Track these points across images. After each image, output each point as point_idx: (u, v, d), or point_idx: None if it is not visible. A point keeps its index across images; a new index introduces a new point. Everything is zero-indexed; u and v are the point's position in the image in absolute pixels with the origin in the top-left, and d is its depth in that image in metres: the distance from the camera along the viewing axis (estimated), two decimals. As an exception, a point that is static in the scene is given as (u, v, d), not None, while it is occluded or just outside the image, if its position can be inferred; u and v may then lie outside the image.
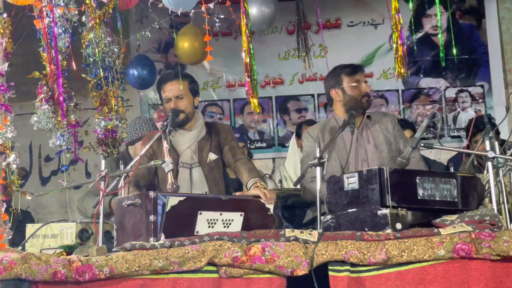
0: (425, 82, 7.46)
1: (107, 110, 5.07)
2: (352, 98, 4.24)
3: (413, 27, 7.17)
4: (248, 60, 3.80)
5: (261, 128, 7.59)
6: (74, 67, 4.59)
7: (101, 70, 5.04)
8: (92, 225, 3.78)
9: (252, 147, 7.44)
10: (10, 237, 3.70)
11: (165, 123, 4.05)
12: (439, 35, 4.49)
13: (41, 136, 5.41)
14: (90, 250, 3.30)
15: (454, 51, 6.24)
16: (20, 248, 3.66)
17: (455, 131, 7.29)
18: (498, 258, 3.16)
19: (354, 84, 4.25)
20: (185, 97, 4.22)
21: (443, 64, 4.07)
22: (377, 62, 7.42)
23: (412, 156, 3.73)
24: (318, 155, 3.60)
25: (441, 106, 7.40)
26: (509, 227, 3.36)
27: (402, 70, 3.77)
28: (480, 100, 7.35)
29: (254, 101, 3.90)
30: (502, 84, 7.31)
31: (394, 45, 3.80)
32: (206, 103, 7.57)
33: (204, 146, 4.24)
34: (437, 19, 7.19)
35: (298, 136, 6.29)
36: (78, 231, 3.81)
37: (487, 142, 3.49)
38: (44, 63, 4.36)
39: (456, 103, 7.41)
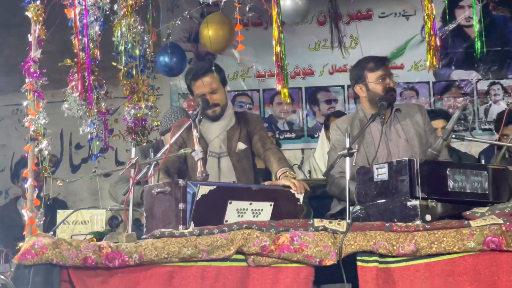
0: (457, 74, 7.37)
1: (137, 99, 5.10)
2: (376, 94, 4.18)
3: (447, 17, 7.09)
4: (278, 49, 3.78)
5: (290, 119, 7.58)
6: (98, 55, 4.61)
7: (126, 58, 5.05)
8: (122, 212, 3.82)
9: (281, 137, 7.43)
10: (41, 222, 3.75)
11: (195, 111, 4.05)
12: (475, 26, 4.40)
13: (72, 124, 5.46)
14: (120, 237, 3.34)
15: (478, 44, 6.13)
16: (52, 233, 3.71)
17: (487, 124, 7.20)
18: (529, 251, 3.13)
19: (378, 80, 4.18)
20: (218, 90, 4.21)
21: (478, 55, 4.01)
22: (408, 53, 7.35)
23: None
24: (348, 145, 3.60)
25: (473, 99, 7.32)
26: (541, 220, 3.31)
27: (434, 62, 3.73)
28: (513, 93, 7.26)
29: (284, 91, 3.89)
30: (535, 77, 7.21)
31: (427, 36, 3.75)
32: (236, 93, 7.57)
33: (233, 135, 4.24)
34: (471, 11, 7.15)
35: (326, 128, 6.27)
36: (108, 218, 3.86)
37: (518, 135, 3.46)
38: (75, 51, 4.40)
39: (488, 96, 7.31)
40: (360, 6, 7.44)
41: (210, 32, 5.98)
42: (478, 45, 4.02)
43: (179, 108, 4.85)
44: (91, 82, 4.16)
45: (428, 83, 7.39)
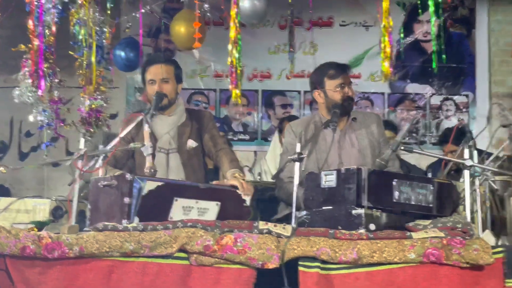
0: (412, 88, 7.50)
1: (92, 89, 5.02)
2: (334, 102, 4.17)
3: (402, 33, 7.18)
4: (234, 50, 3.77)
5: (245, 121, 7.59)
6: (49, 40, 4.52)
7: (83, 48, 4.97)
8: (66, 203, 3.76)
9: (235, 139, 7.44)
10: (-19, 209, 3.66)
11: (148, 106, 4.02)
12: (433, 41, 4.45)
13: (23, 111, 5.34)
14: (62, 228, 3.28)
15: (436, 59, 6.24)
16: (-9, 221, 3.63)
17: (437, 138, 7.32)
18: (467, 266, 3.16)
19: (336, 88, 4.17)
20: (170, 81, 4.20)
21: (436, 69, 4.06)
22: (366, 63, 7.44)
23: (392, 158, 3.74)
24: (298, 150, 3.60)
25: (425, 113, 7.44)
26: (481, 236, 3.38)
27: (388, 72, 3.75)
28: (464, 110, 7.40)
29: (236, 92, 3.87)
30: (486, 96, 7.37)
31: (382, 46, 3.78)
32: (193, 91, 7.55)
33: (184, 132, 4.22)
34: (429, 26, 7.26)
35: (280, 131, 6.32)
36: (52, 209, 3.79)
37: (466, 151, 3.51)
38: (30, 36, 4.32)
39: (440, 111, 7.45)
40: (321, 13, 7.50)
41: (182, 29, 5.94)
42: (435, 58, 4.07)
43: (137, 101, 4.79)
44: (44, 69, 4.07)
45: (383, 94, 7.49)
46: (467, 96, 7.42)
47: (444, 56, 4.71)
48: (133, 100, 4.99)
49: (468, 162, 3.46)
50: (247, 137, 7.56)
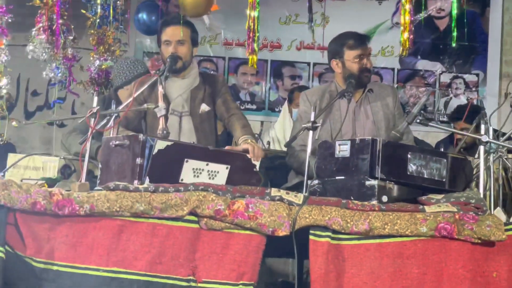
0: (422, 64, 7.43)
1: (103, 50, 4.98)
2: (351, 73, 4.13)
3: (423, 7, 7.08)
4: (253, 14, 3.72)
5: (253, 90, 7.54)
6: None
7: (96, 8, 4.90)
8: (74, 162, 3.74)
9: (242, 108, 7.39)
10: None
11: (162, 67, 3.98)
12: (453, 16, 4.37)
13: (30, 70, 5.28)
14: (73, 185, 3.26)
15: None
16: (2, 174, 3.61)
17: (445, 116, 7.28)
18: (479, 241, 3.16)
19: (355, 59, 4.13)
20: (186, 43, 4.16)
21: (454, 43, 4.01)
22: (377, 38, 7.34)
23: (406, 131, 3.71)
24: (313, 119, 3.57)
25: (434, 90, 7.39)
26: (493, 213, 3.36)
27: (408, 44, 3.71)
28: (474, 89, 7.34)
29: (253, 57, 3.83)
30: (497, 75, 7.30)
31: (402, 18, 3.73)
32: (201, 58, 7.49)
33: (197, 95, 4.18)
34: (442, 2, 7.22)
35: (290, 101, 6.28)
36: (61, 167, 3.77)
37: (483, 126, 3.48)
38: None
39: (450, 89, 7.40)
40: (335, -15, 7.42)
41: None
42: (454, 33, 4.03)
43: (133, 60, 4.50)
44: (59, 25, 4.02)
45: (393, 69, 7.43)
46: (477, 75, 7.36)
47: (465, 33, 4.62)
48: (132, 58, 4.82)
49: (484, 138, 3.43)
50: (254, 107, 7.52)
